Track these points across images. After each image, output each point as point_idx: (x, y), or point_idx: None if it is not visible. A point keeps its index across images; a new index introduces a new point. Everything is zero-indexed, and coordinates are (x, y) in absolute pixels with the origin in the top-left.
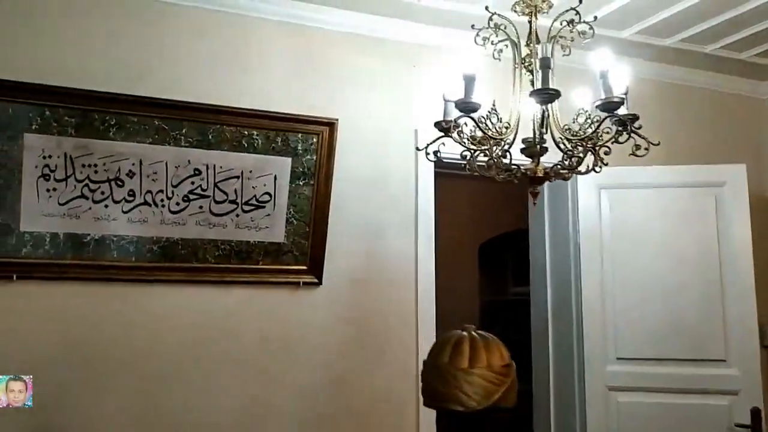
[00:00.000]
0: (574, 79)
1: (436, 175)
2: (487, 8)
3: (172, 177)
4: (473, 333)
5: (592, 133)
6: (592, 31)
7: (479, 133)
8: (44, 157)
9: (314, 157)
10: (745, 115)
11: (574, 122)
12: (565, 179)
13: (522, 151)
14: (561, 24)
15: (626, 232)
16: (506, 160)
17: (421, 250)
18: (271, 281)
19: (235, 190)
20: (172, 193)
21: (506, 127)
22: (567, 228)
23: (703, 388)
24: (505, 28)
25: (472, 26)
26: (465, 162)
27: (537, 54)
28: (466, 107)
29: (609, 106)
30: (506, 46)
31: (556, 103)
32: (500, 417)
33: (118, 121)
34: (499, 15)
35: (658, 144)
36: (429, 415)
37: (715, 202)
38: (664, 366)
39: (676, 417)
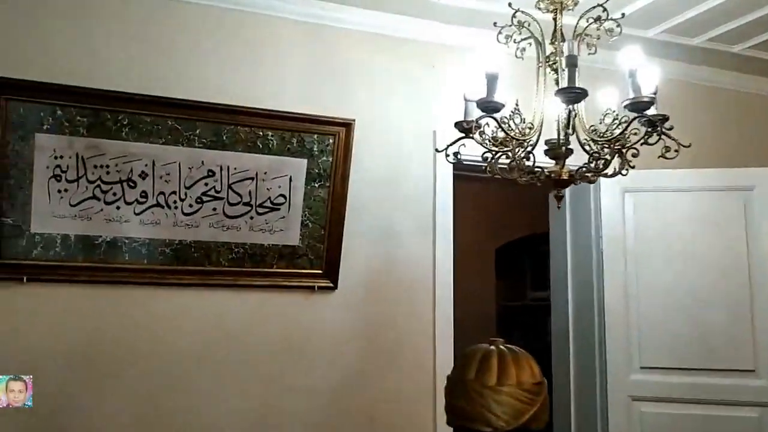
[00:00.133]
0: (598, 80)
1: (453, 177)
2: (510, 4)
3: (185, 178)
4: (501, 347)
5: (619, 135)
6: (619, 28)
7: (501, 134)
8: (55, 158)
9: (330, 159)
10: None
11: (600, 123)
12: (591, 182)
13: (546, 152)
14: (587, 21)
15: (651, 237)
16: (529, 162)
17: (439, 253)
18: (286, 285)
19: (250, 192)
20: (185, 194)
21: (529, 128)
22: (589, 232)
23: (731, 399)
24: (528, 25)
25: (495, 24)
26: (486, 164)
27: (562, 52)
28: (489, 107)
29: (638, 106)
30: (529, 44)
31: (581, 104)
32: None
33: (130, 121)
34: (523, 12)
35: (689, 146)
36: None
37: (744, 206)
38: (689, 376)
39: (702, 429)
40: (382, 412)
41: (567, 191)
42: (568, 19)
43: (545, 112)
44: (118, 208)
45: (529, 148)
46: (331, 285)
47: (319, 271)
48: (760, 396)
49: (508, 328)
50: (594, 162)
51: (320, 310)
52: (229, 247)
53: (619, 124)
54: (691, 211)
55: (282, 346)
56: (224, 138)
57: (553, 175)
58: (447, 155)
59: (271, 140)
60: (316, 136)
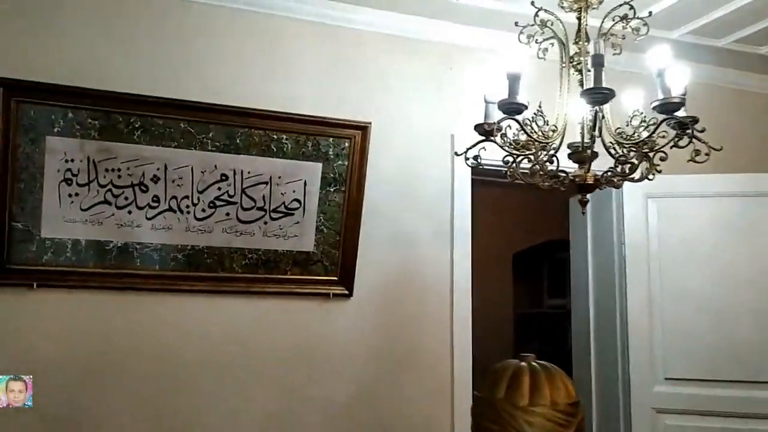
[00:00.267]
0: (620, 83)
1: (471, 182)
2: (532, 3)
3: (198, 182)
4: (533, 363)
5: (647, 137)
6: (646, 27)
7: (523, 137)
8: (66, 161)
9: (346, 163)
10: None
11: (627, 125)
12: (616, 187)
13: (569, 156)
14: (613, 20)
15: (675, 244)
16: (552, 166)
17: (456, 260)
18: (300, 292)
19: (263, 197)
20: (198, 199)
21: (553, 131)
22: (611, 239)
23: (760, 412)
24: (551, 24)
25: (516, 23)
26: (507, 168)
27: (587, 52)
28: (511, 108)
29: (668, 107)
30: (551, 44)
31: (607, 106)
32: None
33: (142, 124)
34: (546, 11)
35: (720, 149)
36: None
37: None
38: (716, 387)
39: None
40: (398, 425)
41: (588, 197)
42: (591, 20)
43: (568, 114)
44: (129, 212)
45: (551, 152)
46: (347, 292)
47: (334, 278)
48: None
49: (526, 336)
50: (620, 166)
51: (335, 318)
52: (242, 253)
53: (647, 126)
54: (717, 217)
55: (295, 354)
56: (238, 141)
57: (577, 179)
58: (466, 159)
59: (286, 144)
60: (331, 139)
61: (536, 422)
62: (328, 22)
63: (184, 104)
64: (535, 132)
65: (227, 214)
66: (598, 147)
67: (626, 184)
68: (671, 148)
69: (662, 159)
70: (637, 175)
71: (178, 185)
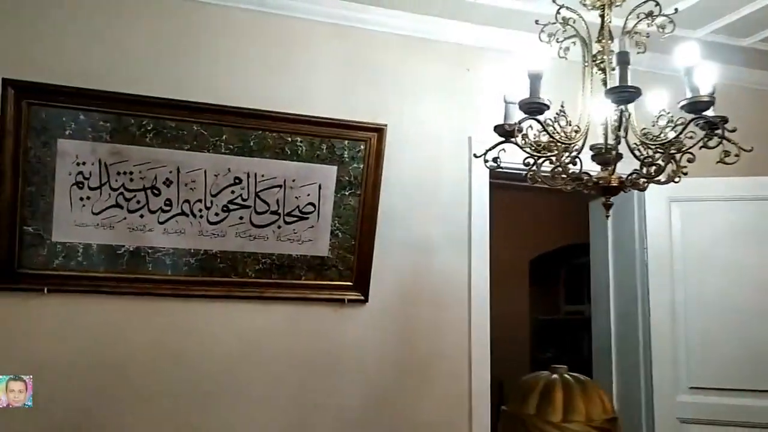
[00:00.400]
0: (643, 84)
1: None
2: (554, 0)
3: (211, 186)
4: (566, 376)
5: (674, 138)
6: (672, 24)
7: (544, 139)
8: (78, 164)
9: (361, 166)
10: None
11: (653, 125)
12: (642, 189)
13: (593, 158)
14: (638, 17)
15: (699, 249)
16: (575, 168)
17: (474, 266)
18: (314, 298)
19: (277, 200)
20: (211, 202)
21: (576, 131)
22: (633, 244)
23: None
24: (574, 22)
25: (536, 21)
26: (527, 170)
27: (611, 51)
28: (532, 108)
29: (697, 106)
30: (573, 43)
31: (632, 105)
32: None
33: (154, 126)
34: (567, 8)
35: (750, 150)
36: None
37: None
38: (742, 397)
39: None
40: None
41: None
42: (614, 19)
43: (591, 114)
44: (141, 216)
45: (574, 153)
46: (362, 298)
47: (349, 283)
48: None
49: (543, 343)
50: (646, 168)
51: (350, 324)
52: (255, 257)
53: (675, 126)
54: (743, 221)
55: (310, 361)
56: (251, 144)
57: (601, 181)
58: (486, 161)
59: (300, 146)
60: (346, 142)
61: None
62: (343, 23)
63: (196, 106)
64: (557, 133)
65: (240, 218)
66: (621, 148)
67: (648, 188)
68: (700, 149)
69: (690, 160)
70: (663, 177)
71: (191, 189)
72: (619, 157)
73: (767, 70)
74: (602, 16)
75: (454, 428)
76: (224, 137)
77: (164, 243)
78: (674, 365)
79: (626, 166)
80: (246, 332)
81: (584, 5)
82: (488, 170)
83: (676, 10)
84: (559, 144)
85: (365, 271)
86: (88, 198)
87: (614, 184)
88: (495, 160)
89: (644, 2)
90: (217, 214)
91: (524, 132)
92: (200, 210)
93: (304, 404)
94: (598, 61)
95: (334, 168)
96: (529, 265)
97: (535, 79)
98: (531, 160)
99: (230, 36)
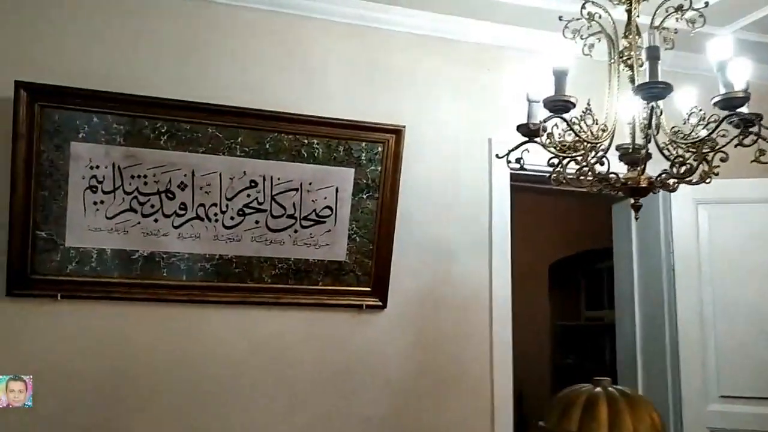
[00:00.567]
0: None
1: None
2: None
3: (226, 189)
4: (610, 389)
5: (706, 136)
6: (702, 18)
7: (569, 138)
8: (91, 168)
9: (379, 168)
10: None
11: (684, 123)
12: (671, 191)
13: (620, 158)
14: (666, 11)
15: (728, 253)
16: (602, 168)
17: (495, 270)
18: (331, 303)
19: (294, 204)
20: (227, 206)
21: (603, 130)
22: (658, 248)
23: None
24: (599, 17)
25: (560, 18)
26: (552, 172)
27: (638, 46)
28: (557, 105)
29: (732, 103)
30: (598, 39)
31: (661, 102)
32: None
33: (169, 129)
34: (593, 2)
35: None
36: None
37: None
38: None
39: None
40: None
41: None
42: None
43: (618, 113)
44: (156, 221)
45: (600, 153)
46: (380, 303)
47: (367, 289)
48: None
49: (564, 350)
50: (677, 168)
51: (368, 331)
52: (272, 262)
53: (707, 124)
54: None
55: (327, 368)
56: (267, 146)
57: (629, 182)
58: (508, 161)
59: (317, 148)
60: (364, 143)
61: None
62: (359, 23)
63: (211, 108)
64: (583, 131)
65: (256, 222)
66: (650, 148)
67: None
68: (735, 147)
69: (723, 160)
70: (695, 177)
71: (206, 192)
72: (649, 156)
73: None
74: (629, 11)
75: None
76: (239, 139)
77: (179, 248)
78: (704, 373)
79: (652, 166)
80: (262, 339)
81: (611, 0)
82: (509, 172)
83: (706, 3)
84: (585, 143)
85: (383, 276)
86: (102, 202)
87: (643, 184)
88: (518, 160)
89: None
90: (232, 218)
91: (549, 131)
92: (215, 214)
93: (322, 412)
94: (625, 58)
95: (352, 170)
96: (548, 270)
97: (560, 76)
98: (556, 161)
99: (245, 36)
